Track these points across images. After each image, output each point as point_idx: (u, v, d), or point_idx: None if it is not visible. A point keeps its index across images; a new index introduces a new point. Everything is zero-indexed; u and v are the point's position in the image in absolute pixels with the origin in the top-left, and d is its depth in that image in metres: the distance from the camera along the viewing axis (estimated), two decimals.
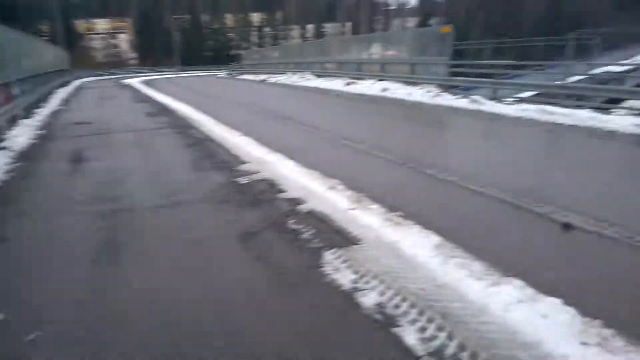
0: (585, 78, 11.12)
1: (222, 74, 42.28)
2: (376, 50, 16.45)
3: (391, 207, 4.17)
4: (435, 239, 3.34)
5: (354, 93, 15.76)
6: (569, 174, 5.44)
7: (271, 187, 5.21)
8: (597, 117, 7.63)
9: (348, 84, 17.40)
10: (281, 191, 4.99)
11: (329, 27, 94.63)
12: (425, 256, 3.06)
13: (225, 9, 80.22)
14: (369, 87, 15.67)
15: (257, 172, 5.88)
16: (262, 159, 6.62)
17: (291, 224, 3.96)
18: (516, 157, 6.44)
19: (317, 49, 24.58)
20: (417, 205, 4.30)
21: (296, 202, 4.56)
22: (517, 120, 8.57)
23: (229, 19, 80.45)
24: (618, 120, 7.26)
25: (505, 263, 2.95)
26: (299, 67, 25.75)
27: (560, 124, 7.82)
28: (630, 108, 8.05)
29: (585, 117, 7.73)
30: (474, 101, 10.32)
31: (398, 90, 13.66)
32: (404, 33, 15.55)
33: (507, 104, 9.85)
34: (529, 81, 11.05)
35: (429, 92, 12.20)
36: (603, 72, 13.68)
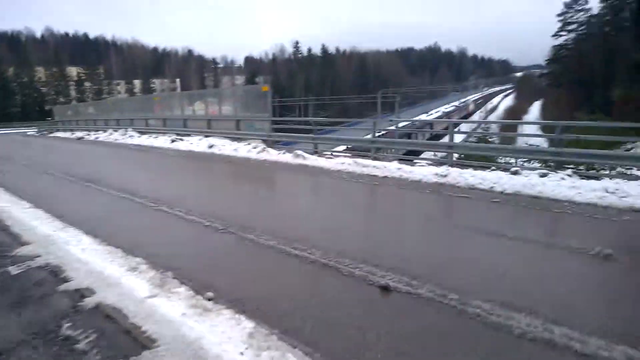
0: (386, 132, 12.64)
1: (32, 131, 36.36)
2: (200, 107, 16.05)
3: (201, 287, 3.61)
4: (247, 325, 2.89)
5: (179, 150, 14.91)
6: (389, 230, 5.71)
7: (53, 275, 4.15)
8: (404, 167, 8.52)
9: (173, 141, 16.46)
10: (65, 280, 3.99)
11: (157, 83, 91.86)
12: (232, 354, 2.56)
13: (36, 62, 71.15)
14: (195, 144, 15.05)
15: (38, 257, 4.68)
16: (51, 238, 5.38)
17: (66, 329, 3.05)
18: (341, 214, 6.57)
19: (142, 104, 23.01)
20: (231, 282, 3.83)
21: (82, 294, 3.64)
22: (338, 174, 9.00)
23: (41, 72, 71.47)
24: (421, 171, 8.18)
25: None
26: (121, 123, 23.65)
27: (376, 176, 8.47)
28: (429, 159, 9.36)
29: (394, 168, 8.54)
30: (298, 155, 10.63)
31: (225, 147, 13.39)
32: (229, 90, 15.55)
33: (328, 157, 10.41)
34: (343, 136, 12.00)
35: (255, 147, 12.23)
36: (402, 127, 15.88)
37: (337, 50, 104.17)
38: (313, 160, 10.31)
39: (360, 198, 7.47)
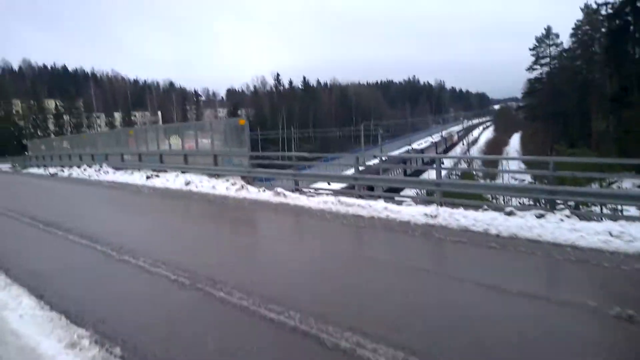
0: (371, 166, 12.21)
1: (6, 166, 35.04)
2: (176, 141, 15.45)
3: None
4: None
5: (154, 188, 14.17)
6: (378, 284, 5.12)
7: None
8: (390, 207, 8.02)
9: (149, 178, 15.72)
10: None
11: (139, 116, 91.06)
12: None
13: (13, 95, 69.92)
14: (171, 180, 14.36)
15: None
16: None
17: None
18: (325, 264, 5.96)
19: (117, 138, 22.28)
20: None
21: None
22: (321, 214, 8.44)
23: (18, 106, 70.14)
24: (409, 211, 7.68)
25: None
26: (96, 159, 22.83)
27: (361, 216, 7.94)
28: (415, 197, 8.91)
29: (380, 208, 8.04)
30: (278, 193, 10.06)
31: (202, 184, 12.73)
32: (206, 123, 14.90)
33: (310, 195, 9.86)
34: (325, 172, 11.44)
35: (233, 184, 11.62)
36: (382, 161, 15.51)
37: (319, 82, 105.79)
38: (294, 199, 9.74)
39: (346, 244, 6.87)
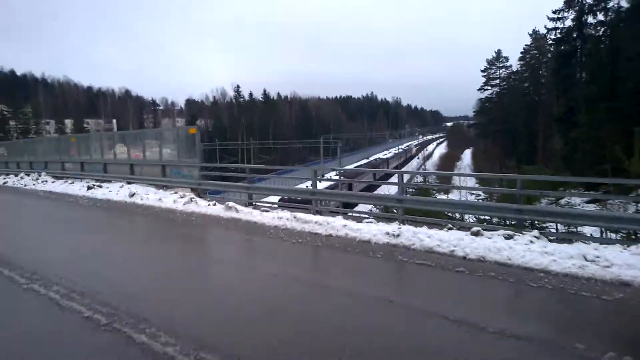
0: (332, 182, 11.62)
1: None
2: (121, 150, 14.21)
3: None
4: None
5: (95, 199, 12.87)
6: (340, 319, 4.42)
7: None
8: (350, 224, 7.41)
9: (90, 188, 14.35)
10: None
11: (92, 123, 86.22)
12: None
13: None
14: (115, 191, 13.10)
15: None
16: None
17: None
18: (278, 293, 5.21)
19: (57, 145, 20.50)
20: None
21: None
22: (275, 232, 7.68)
23: None
24: (370, 229, 7.10)
25: None
26: (34, 166, 20.94)
27: (318, 234, 7.26)
28: (376, 214, 8.38)
29: (339, 225, 7.41)
30: (229, 208, 9.22)
31: (148, 196, 11.62)
32: (154, 131, 13.66)
33: (264, 210, 9.09)
34: (280, 186, 10.68)
35: (182, 197, 10.64)
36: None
37: (279, 95, 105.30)
38: (247, 214, 8.93)
39: (301, 268, 6.11)
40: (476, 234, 6.34)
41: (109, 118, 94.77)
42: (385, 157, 66.16)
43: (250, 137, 77.49)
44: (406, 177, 27.80)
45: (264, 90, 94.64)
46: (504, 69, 64.40)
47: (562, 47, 30.38)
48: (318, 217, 7.96)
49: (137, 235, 8.71)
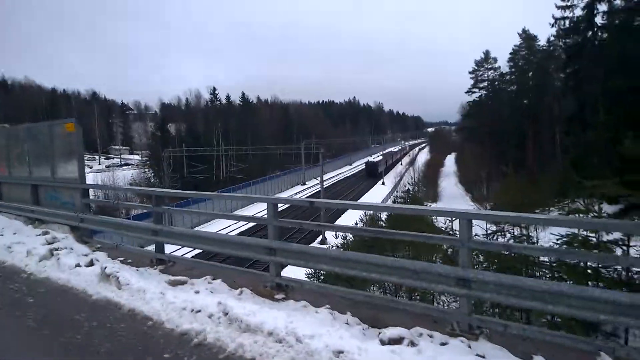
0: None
1: None
2: None
3: None
4: None
5: None
6: None
7: None
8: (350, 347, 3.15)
9: None
10: None
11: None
12: None
13: None
14: None
15: None
16: None
17: None
18: None
19: None
20: None
21: None
22: (185, 353, 3.34)
23: None
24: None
25: None
26: None
27: None
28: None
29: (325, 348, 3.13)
30: (108, 278, 4.74)
31: None
32: (20, 131, 7.99)
33: (174, 280, 4.66)
34: (204, 232, 5.54)
35: (50, 243, 6.15)
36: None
37: (259, 99, 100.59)
38: (136, 293, 4.44)
39: None
40: None
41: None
42: (375, 160, 70.62)
43: (227, 142, 72.19)
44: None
45: (242, 94, 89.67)
46: (492, 71, 61.28)
47: (574, 38, 26.85)
48: (278, 315, 3.56)
49: None
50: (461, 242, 3.37)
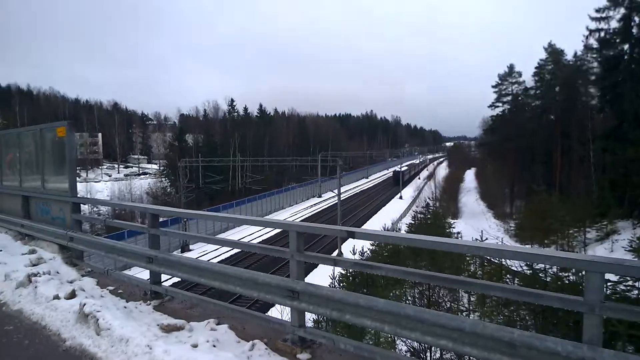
0: None
1: None
2: None
3: None
4: None
5: None
6: None
7: None
8: None
9: None
10: None
11: (76, 137, 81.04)
12: None
13: None
14: None
15: None
16: None
17: None
18: None
19: None
20: None
21: None
22: None
23: None
24: None
25: None
26: None
27: None
28: None
29: None
30: (86, 318, 3.75)
31: None
32: (11, 135, 7.21)
33: (167, 326, 3.66)
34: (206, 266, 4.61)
35: (35, 263, 5.24)
36: None
37: (276, 111, 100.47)
38: (118, 343, 3.47)
39: None
40: None
41: (93, 132, 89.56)
42: (402, 170, 74.91)
43: (243, 153, 71.77)
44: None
45: (260, 105, 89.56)
46: (516, 85, 59.54)
47: (609, 51, 25.38)
48: None
49: None
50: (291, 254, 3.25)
